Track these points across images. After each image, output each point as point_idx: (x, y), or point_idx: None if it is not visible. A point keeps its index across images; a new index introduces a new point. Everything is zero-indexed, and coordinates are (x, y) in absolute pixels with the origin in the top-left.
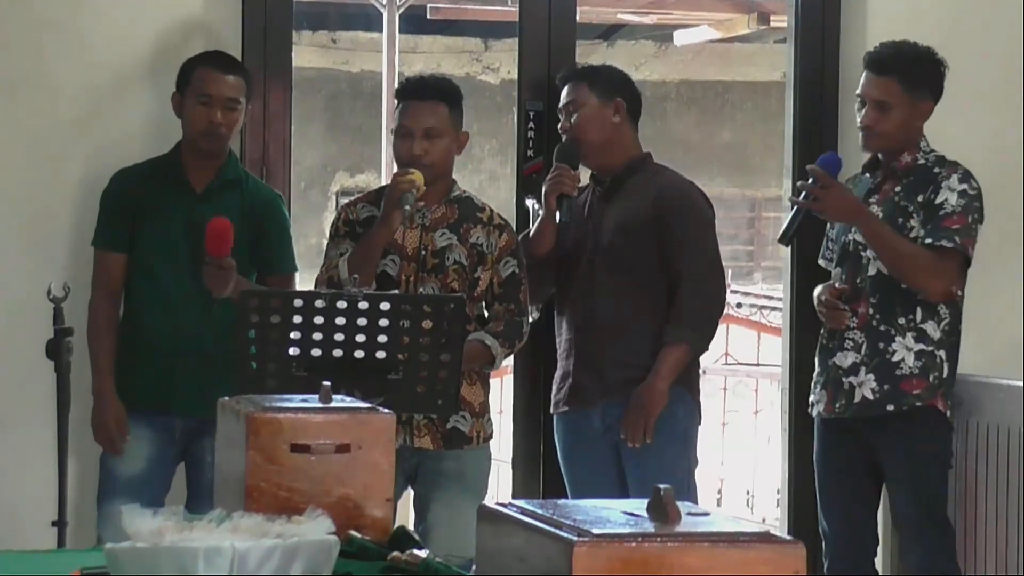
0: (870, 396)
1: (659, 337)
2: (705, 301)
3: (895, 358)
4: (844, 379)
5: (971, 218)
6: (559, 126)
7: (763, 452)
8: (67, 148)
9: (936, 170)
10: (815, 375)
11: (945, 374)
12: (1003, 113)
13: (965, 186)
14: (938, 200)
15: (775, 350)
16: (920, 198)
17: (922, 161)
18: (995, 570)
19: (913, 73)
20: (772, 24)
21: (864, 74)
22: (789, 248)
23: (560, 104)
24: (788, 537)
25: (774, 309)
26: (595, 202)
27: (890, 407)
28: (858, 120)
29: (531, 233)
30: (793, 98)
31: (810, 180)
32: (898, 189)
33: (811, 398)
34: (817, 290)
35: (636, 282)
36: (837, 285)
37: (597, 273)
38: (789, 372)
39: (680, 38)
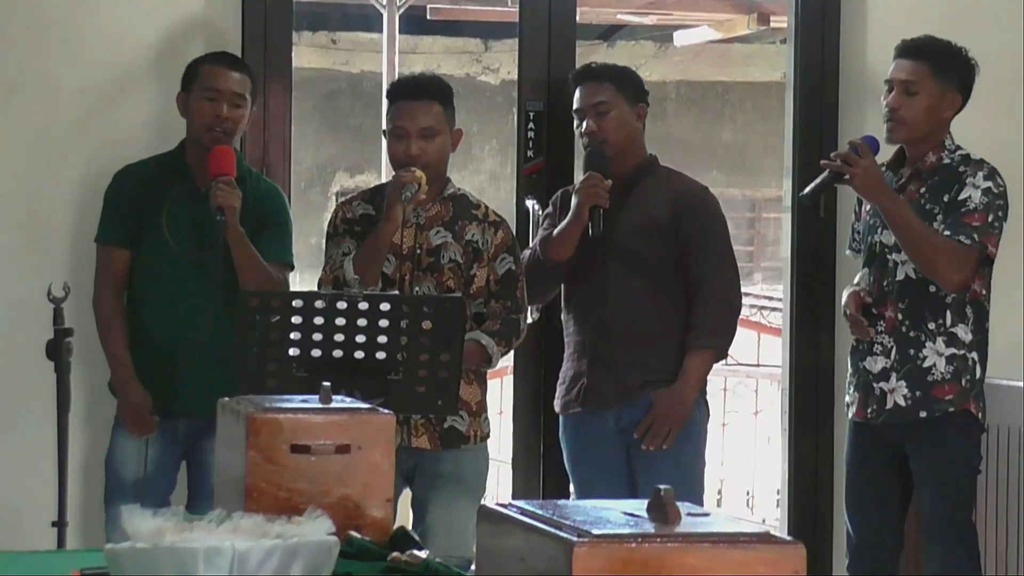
0: (902, 403)
1: (676, 339)
2: (727, 307)
3: (926, 364)
4: (875, 384)
5: (992, 216)
6: (583, 128)
7: (763, 452)
8: (67, 148)
9: (961, 169)
10: (848, 376)
11: (977, 375)
12: (1002, 114)
13: (990, 184)
14: (961, 197)
15: (775, 350)
16: (946, 198)
17: (947, 161)
18: (995, 570)
19: (943, 61)
20: (772, 24)
21: (894, 62)
22: (789, 249)
23: (582, 103)
24: (788, 537)
25: (774, 309)
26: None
27: (922, 413)
28: (884, 106)
29: (553, 236)
30: (793, 98)
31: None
32: (923, 191)
33: (846, 399)
34: (845, 294)
35: (653, 284)
36: (862, 294)
37: (613, 275)
38: (789, 372)
39: (680, 38)
